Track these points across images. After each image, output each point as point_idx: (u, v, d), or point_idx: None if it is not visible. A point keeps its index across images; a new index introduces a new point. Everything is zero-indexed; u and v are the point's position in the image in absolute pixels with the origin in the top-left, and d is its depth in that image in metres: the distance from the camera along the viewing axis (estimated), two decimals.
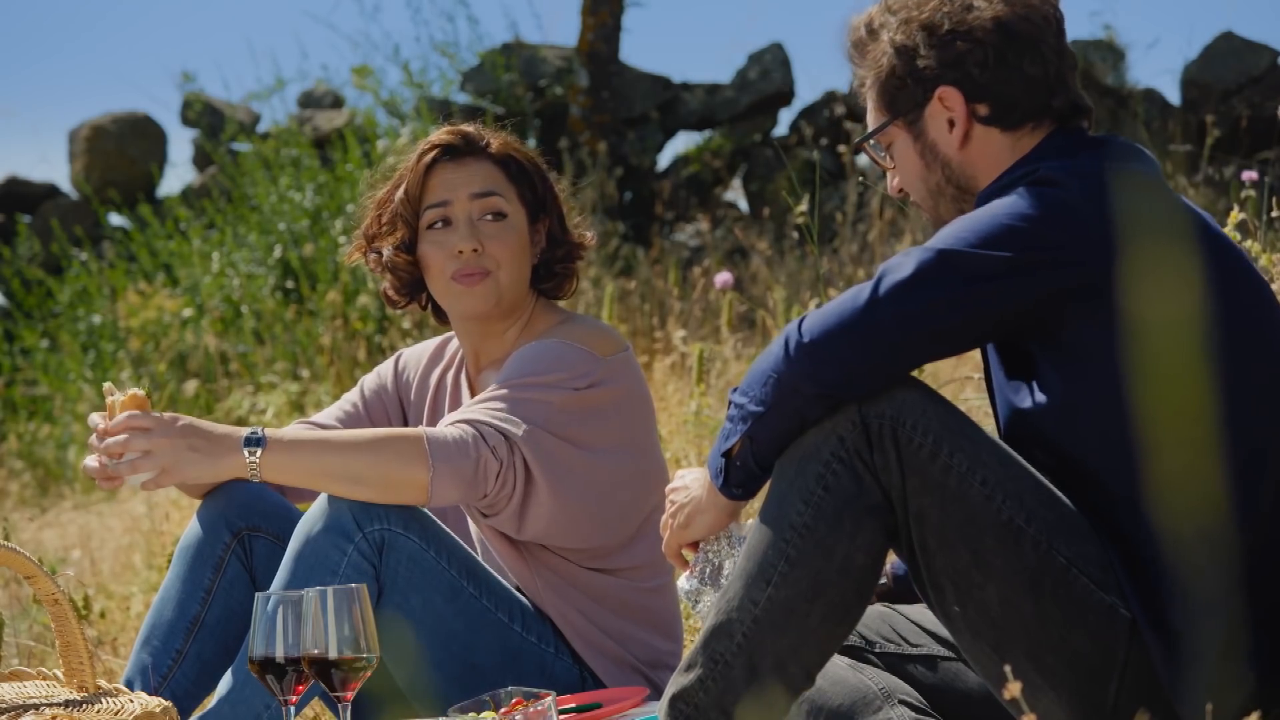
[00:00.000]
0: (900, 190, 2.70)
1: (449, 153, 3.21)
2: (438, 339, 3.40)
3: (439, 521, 3.08)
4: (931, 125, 2.60)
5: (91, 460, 2.97)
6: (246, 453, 2.93)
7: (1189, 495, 2.42)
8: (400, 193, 3.22)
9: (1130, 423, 2.43)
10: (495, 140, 3.24)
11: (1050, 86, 2.57)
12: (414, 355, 3.40)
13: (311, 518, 2.99)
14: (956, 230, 2.46)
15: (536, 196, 3.23)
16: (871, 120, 2.66)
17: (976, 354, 2.67)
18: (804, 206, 4.76)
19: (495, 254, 3.17)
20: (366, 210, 3.30)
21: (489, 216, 3.18)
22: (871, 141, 2.67)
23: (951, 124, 2.59)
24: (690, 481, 2.64)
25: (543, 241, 3.24)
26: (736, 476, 2.52)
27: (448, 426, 2.99)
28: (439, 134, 3.22)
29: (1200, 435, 2.42)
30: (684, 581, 2.65)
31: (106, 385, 3.01)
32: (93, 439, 2.99)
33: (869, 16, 2.64)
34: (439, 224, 3.19)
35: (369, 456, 2.96)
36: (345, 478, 2.96)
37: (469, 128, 3.23)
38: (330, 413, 3.35)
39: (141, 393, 2.99)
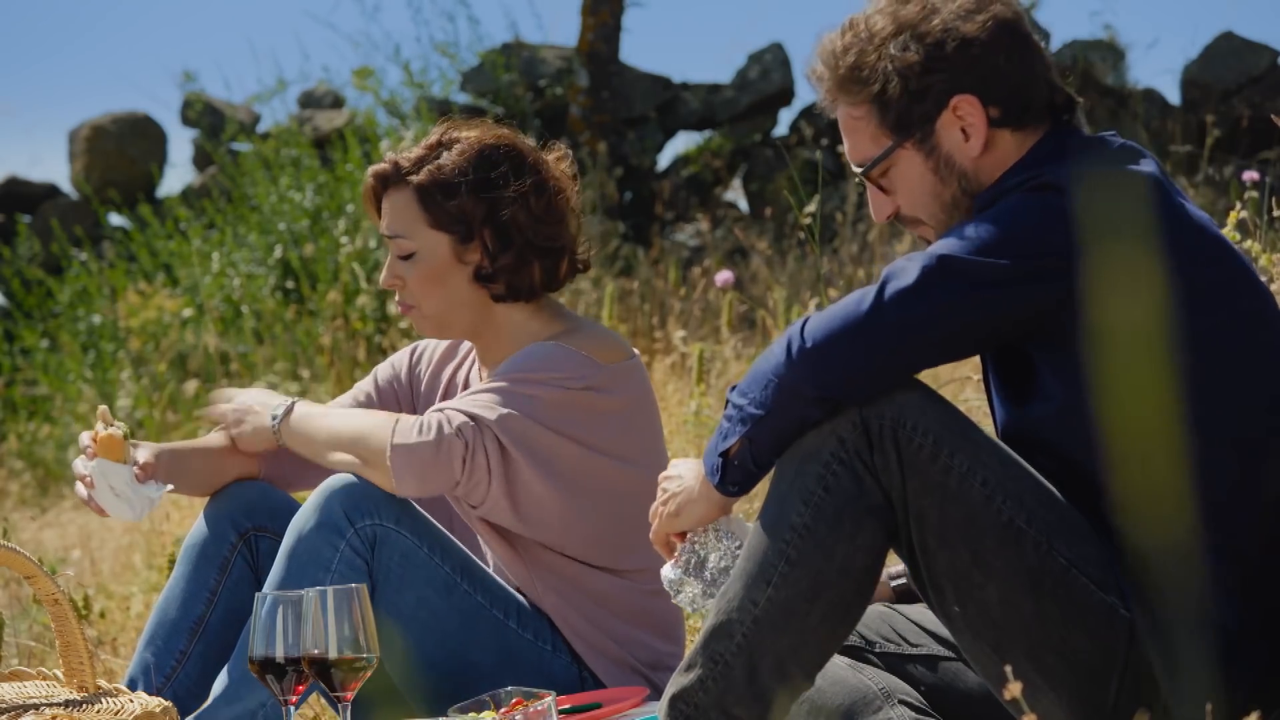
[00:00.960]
0: (890, 216, 2.66)
1: (379, 186, 3.23)
2: None
3: (431, 518, 3.08)
4: (945, 138, 2.58)
5: (83, 491, 3.01)
6: (273, 419, 3.11)
7: (1184, 500, 2.42)
8: (374, 221, 3.31)
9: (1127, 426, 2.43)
10: (450, 150, 3.18)
11: (1050, 82, 2.58)
12: (430, 347, 3.41)
13: (303, 515, 3.01)
14: (960, 236, 2.45)
15: (456, 217, 3.17)
16: (869, 148, 2.62)
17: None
18: (812, 207, 4.76)
19: (411, 288, 3.20)
20: None
21: (400, 256, 3.21)
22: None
23: (965, 132, 2.57)
24: (684, 471, 2.63)
25: (482, 256, 3.18)
26: (734, 475, 2.52)
27: (424, 414, 3.03)
28: (375, 166, 3.24)
29: (1177, 443, 2.42)
30: (668, 570, 2.65)
31: (102, 409, 3.04)
32: (77, 463, 3.02)
33: (845, 46, 2.59)
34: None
35: (352, 427, 3.04)
36: (330, 444, 3.06)
37: (409, 151, 3.21)
38: (342, 401, 3.37)
39: (119, 434, 3.03)
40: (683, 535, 2.65)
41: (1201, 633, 2.40)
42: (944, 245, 2.45)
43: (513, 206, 3.17)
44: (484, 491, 3.02)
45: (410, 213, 3.19)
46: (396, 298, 3.24)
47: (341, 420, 3.08)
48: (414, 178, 3.19)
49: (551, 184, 3.20)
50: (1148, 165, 2.53)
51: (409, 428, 2.99)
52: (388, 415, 3.04)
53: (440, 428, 2.98)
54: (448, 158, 3.18)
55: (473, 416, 3.01)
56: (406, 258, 3.19)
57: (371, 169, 3.24)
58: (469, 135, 3.21)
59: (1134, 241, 2.46)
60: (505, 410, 3.02)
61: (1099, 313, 2.41)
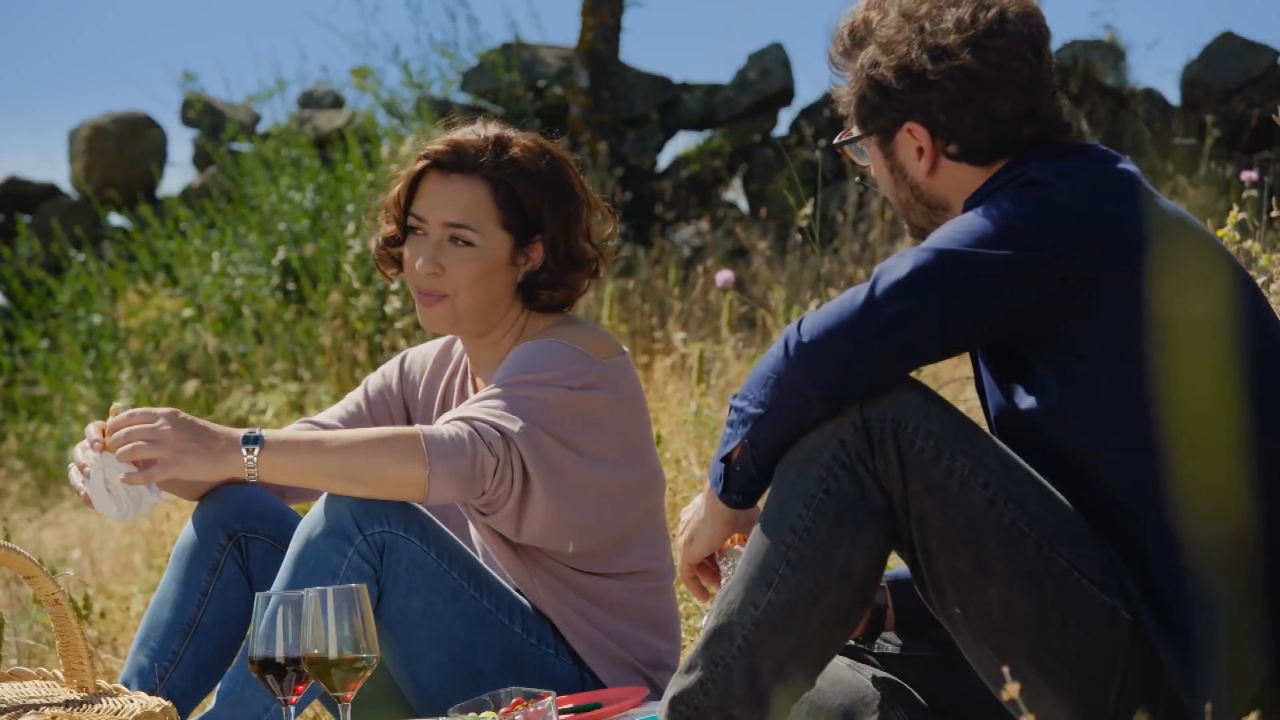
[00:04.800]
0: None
1: (438, 166, 3.17)
2: (444, 339, 3.39)
3: (440, 523, 3.07)
4: (901, 149, 2.62)
5: (77, 478, 2.98)
6: (245, 451, 2.93)
7: (1209, 498, 2.42)
8: (393, 193, 3.23)
9: (1129, 421, 2.43)
10: (513, 149, 3.15)
11: (1020, 122, 2.57)
12: (420, 355, 3.38)
13: (311, 520, 2.99)
14: (952, 231, 2.47)
15: (528, 220, 3.16)
16: (850, 123, 2.68)
17: None
18: (809, 209, 4.76)
19: (455, 278, 3.15)
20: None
21: (456, 241, 3.15)
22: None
23: (920, 152, 2.60)
24: (698, 500, 2.65)
25: (534, 262, 3.18)
26: (736, 482, 2.52)
27: (444, 424, 2.99)
28: (435, 143, 3.18)
29: (1225, 438, 2.42)
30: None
31: (115, 405, 3.02)
32: (77, 450, 2.99)
33: (850, 29, 2.63)
34: (417, 230, 3.19)
35: (366, 456, 2.95)
36: (342, 477, 2.96)
37: (473, 137, 3.15)
38: (333, 412, 3.34)
39: None
40: (716, 579, 2.64)
41: (1211, 628, 2.40)
42: (937, 239, 2.47)
43: (583, 221, 3.19)
44: (501, 503, 3.01)
45: (481, 207, 3.14)
46: (419, 285, 3.18)
47: (344, 444, 2.97)
48: (492, 171, 3.14)
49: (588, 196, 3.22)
50: (1127, 165, 2.55)
51: (443, 444, 2.94)
52: (396, 433, 2.97)
53: (473, 441, 2.96)
54: (519, 158, 3.14)
55: (500, 430, 2.99)
56: (461, 245, 3.15)
57: (431, 150, 3.16)
58: (524, 140, 3.18)
59: (1186, 234, 2.49)
60: (524, 423, 3.00)
61: (1159, 303, 2.42)
